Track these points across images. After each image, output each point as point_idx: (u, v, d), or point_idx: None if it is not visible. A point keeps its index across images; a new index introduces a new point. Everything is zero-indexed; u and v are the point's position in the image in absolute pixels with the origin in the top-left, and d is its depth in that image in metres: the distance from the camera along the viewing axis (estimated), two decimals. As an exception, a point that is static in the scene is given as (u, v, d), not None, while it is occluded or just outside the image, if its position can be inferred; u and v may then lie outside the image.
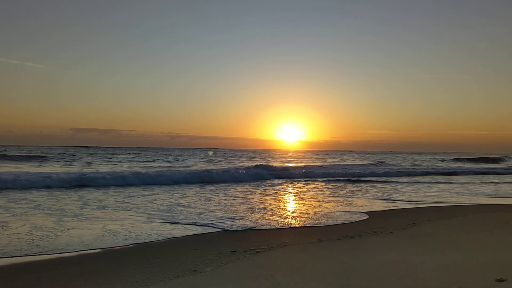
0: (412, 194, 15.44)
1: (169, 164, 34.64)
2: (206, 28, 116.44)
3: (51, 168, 27.03)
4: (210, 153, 71.43)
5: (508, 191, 17.44)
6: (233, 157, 59.64)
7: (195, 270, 4.98)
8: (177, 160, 43.71)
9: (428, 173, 29.72)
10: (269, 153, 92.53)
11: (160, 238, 7.02)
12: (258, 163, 29.11)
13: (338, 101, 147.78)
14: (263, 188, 16.97)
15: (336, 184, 20.10)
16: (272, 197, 13.62)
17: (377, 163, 40.32)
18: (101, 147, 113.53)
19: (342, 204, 12.03)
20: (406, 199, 13.48)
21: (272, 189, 16.79)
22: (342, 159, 55.27)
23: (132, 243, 6.63)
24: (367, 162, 42.81)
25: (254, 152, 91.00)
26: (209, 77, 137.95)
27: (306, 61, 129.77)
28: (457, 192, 16.22)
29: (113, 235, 7.17)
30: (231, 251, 5.95)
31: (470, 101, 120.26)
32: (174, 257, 5.70)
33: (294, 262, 5.38)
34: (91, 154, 56.19)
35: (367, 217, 9.62)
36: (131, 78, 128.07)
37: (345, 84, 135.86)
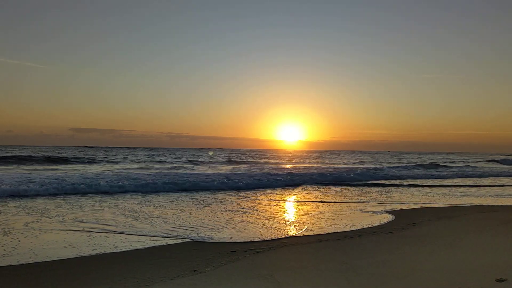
0: None
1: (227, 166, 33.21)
2: (208, 30, 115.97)
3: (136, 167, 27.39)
4: (210, 153, 71.42)
5: None
6: (252, 158, 56.59)
7: (195, 270, 4.98)
8: (212, 162, 41.48)
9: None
10: (274, 153, 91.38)
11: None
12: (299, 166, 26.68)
13: (338, 101, 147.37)
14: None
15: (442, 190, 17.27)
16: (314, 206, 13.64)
17: (434, 164, 36.23)
18: (103, 147, 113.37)
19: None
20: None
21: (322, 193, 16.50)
22: (366, 160, 54.78)
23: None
24: (408, 163, 40.45)
25: (263, 153, 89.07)
26: (210, 78, 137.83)
27: (306, 62, 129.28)
28: None
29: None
30: (231, 251, 5.95)
31: (469, 101, 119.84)
32: (174, 257, 5.70)
33: (294, 262, 5.38)
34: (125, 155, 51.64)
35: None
36: (132, 79, 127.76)
37: (344, 84, 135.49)
